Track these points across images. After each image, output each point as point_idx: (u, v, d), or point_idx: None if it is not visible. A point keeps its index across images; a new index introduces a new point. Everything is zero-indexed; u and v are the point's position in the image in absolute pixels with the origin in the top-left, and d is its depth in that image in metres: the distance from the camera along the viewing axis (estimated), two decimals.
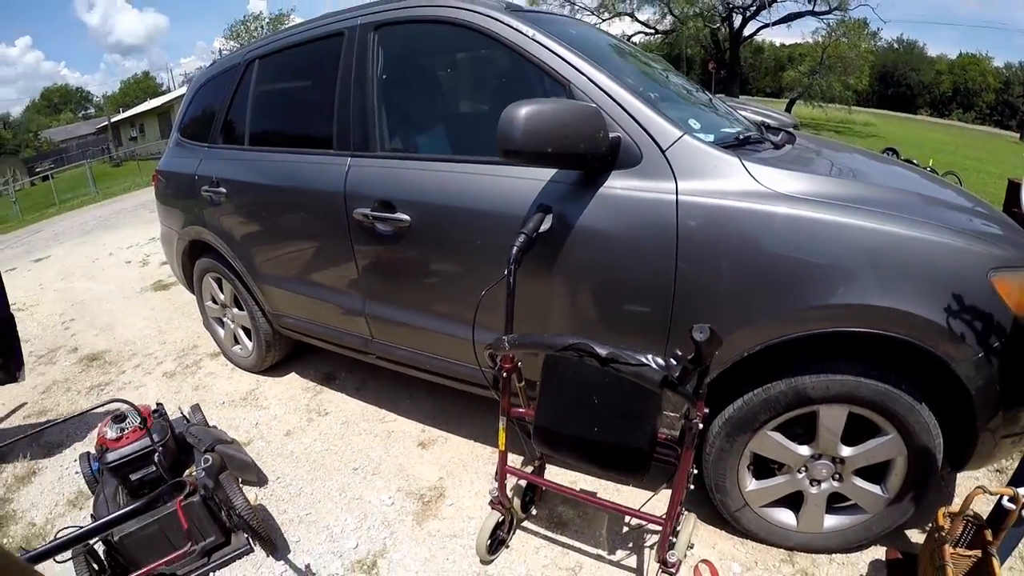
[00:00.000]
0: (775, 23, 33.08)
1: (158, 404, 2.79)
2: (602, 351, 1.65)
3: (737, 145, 2.33)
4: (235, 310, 3.88)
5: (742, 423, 2.17)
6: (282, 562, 2.39)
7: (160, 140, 35.97)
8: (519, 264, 1.98)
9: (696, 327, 1.51)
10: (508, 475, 2.19)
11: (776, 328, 1.98)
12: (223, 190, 3.40)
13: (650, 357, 1.64)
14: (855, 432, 2.17)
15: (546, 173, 2.23)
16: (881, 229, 1.90)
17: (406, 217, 2.48)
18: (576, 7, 32.41)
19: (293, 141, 3.22)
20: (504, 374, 2.01)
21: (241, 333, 3.96)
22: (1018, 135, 44.68)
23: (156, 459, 2.46)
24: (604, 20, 32.54)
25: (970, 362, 1.94)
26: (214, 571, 2.37)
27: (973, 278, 1.92)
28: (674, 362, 1.60)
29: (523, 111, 1.88)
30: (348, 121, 2.77)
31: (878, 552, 2.53)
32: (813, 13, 31.40)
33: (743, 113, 3.24)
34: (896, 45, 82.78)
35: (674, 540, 2.09)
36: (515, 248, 1.98)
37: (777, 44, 78.78)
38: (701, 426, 1.78)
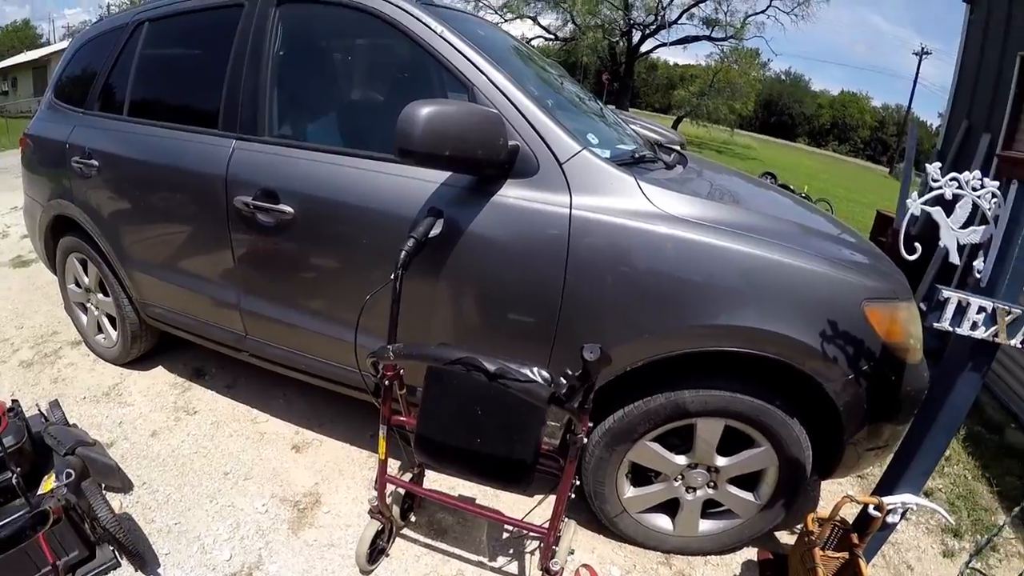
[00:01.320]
0: (672, 43, 35.09)
1: (14, 401, 2.57)
2: (491, 366, 1.66)
3: (632, 163, 2.38)
4: (100, 296, 3.59)
5: (622, 434, 2.24)
6: None
7: (33, 97, 33.20)
8: (407, 269, 1.97)
9: (587, 347, 1.55)
10: (388, 483, 2.19)
11: (659, 345, 2.07)
12: (95, 163, 3.12)
13: (536, 371, 1.66)
14: (730, 443, 2.29)
15: (440, 176, 2.20)
16: (764, 256, 2.02)
17: (290, 209, 2.38)
18: (480, 4, 32.55)
19: (176, 116, 2.98)
20: (386, 382, 2.00)
21: (105, 321, 3.67)
22: (888, 170, 48.46)
23: (12, 472, 2.18)
24: (507, 21, 32.85)
25: (841, 382, 2.10)
26: None
27: (847, 306, 2.08)
28: (562, 380, 1.65)
29: (424, 111, 1.85)
30: (237, 100, 2.62)
31: (750, 553, 2.69)
32: (710, 38, 33.56)
33: (635, 128, 3.33)
34: (784, 77, 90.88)
35: (556, 548, 2.15)
36: (403, 253, 1.96)
37: (671, 63, 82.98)
38: (585, 440, 1.84)
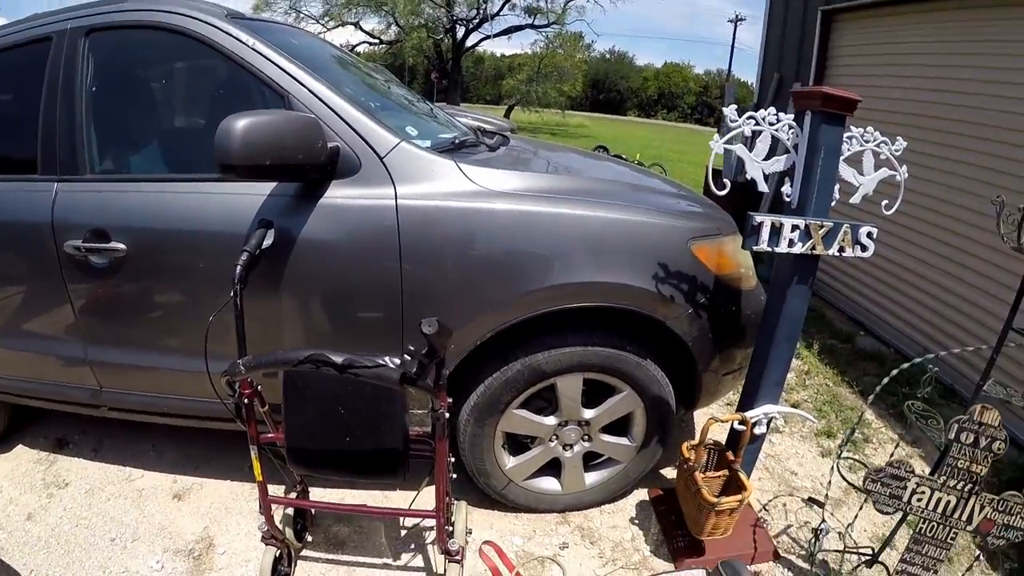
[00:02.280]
0: (496, 35, 35.51)
1: None
2: (338, 359, 1.65)
3: (453, 149, 2.45)
4: None
5: (488, 407, 2.31)
6: None
7: None
8: (244, 284, 1.92)
9: (424, 321, 1.56)
10: (273, 505, 2.14)
11: (503, 314, 2.14)
12: None
13: (386, 359, 1.70)
14: (595, 395, 2.41)
15: (267, 187, 2.18)
16: (592, 215, 2.14)
17: (122, 246, 2.24)
18: (301, 15, 31.88)
19: None
20: (245, 400, 1.98)
21: None
22: (716, 130, 51.57)
23: None
24: (329, 29, 32.34)
25: (683, 318, 2.24)
26: None
27: (676, 248, 2.23)
28: (408, 358, 1.68)
29: (240, 123, 1.82)
30: (54, 140, 2.43)
31: (641, 494, 2.84)
32: (532, 26, 34.25)
33: (462, 120, 3.39)
34: (608, 55, 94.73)
35: (451, 529, 2.18)
36: (238, 267, 1.91)
37: (498, 55, 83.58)
38: (447, 415, 1.87)
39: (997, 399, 2.04)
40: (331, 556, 2.48)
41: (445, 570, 2.12)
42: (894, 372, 2.17)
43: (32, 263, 2.52)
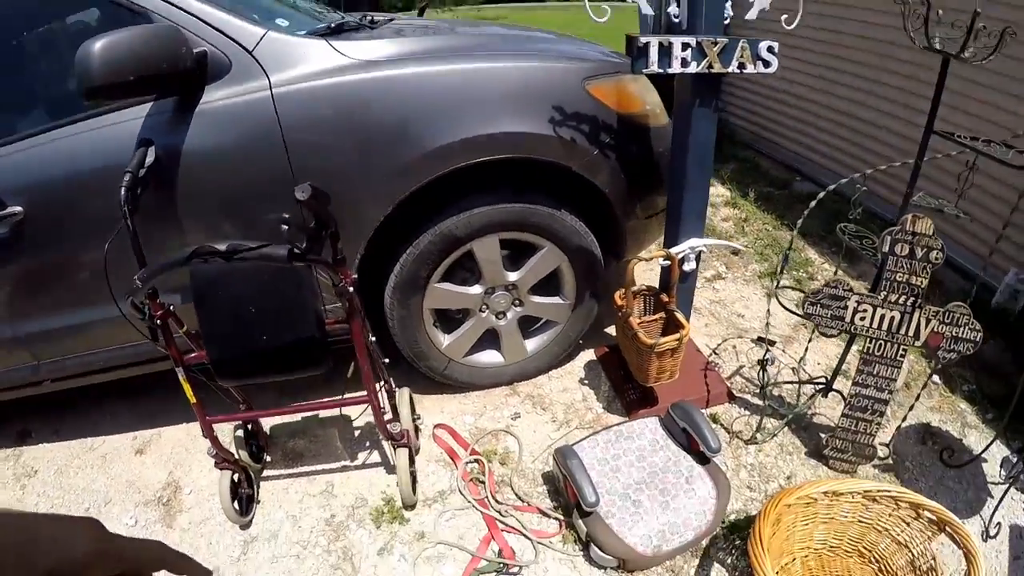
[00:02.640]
0: None
1: None
2: (222, 247, 1.62)
3: (330, 33, 2.33)
4: None
5: (408, 285, 2.28)
6: None
7: None
8: (132, 205, 1.87)
9: (296, 189, 1.49)
10: (215, 426, 2.09)
11: (401, 183, 2.08)
12: None
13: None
14: (520, 258, 2.39)
15: (144, 109, 2.07)
16: (474, 67, 2.08)
17: (18, 208, 2.13)
18: None
19: None
20: (158, 322, 1.94)
21: None
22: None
23: None
24: None
25: (589, 162, 2.20)
26: None
27: (571, 90, 2.17)
28: (285, 227, 1.62)
29: (96, 45, 1.74)
30: None
31: (588, 355, 2.87)
32: None
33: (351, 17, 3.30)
34: None
35: (388, 414, 2.20)
36: (122, 189, 1.86)
37: None
38: (352, 290, 1.83)
39: (929, 208, 2.04)
40: (291, 470, 2.50)
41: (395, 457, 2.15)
42: (821, 194, 2.16)
43: None
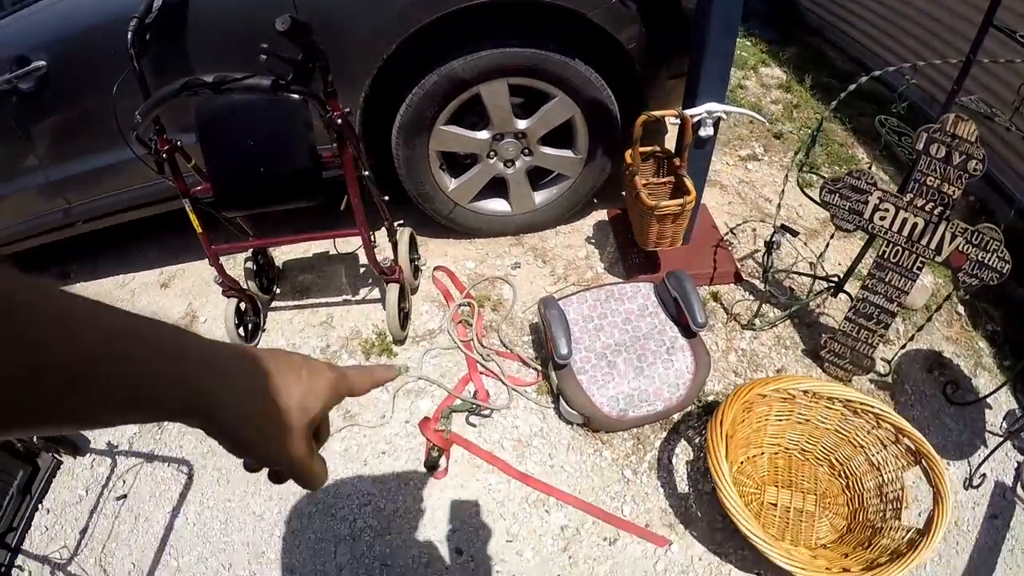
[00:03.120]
0: None
1: None
2: (209, 78, 1.47)
3: None
4: None
5: (414, 125, 2.05)
6: (89, 456, 2.10)
7: None
8: (139, 47, 1.69)
9: (277, 20, 1.31)
10: (219, 255, 2.01)
11: (403, 22, 1.84)
12: None
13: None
14: (535, 108, 2.11)
15: None
16: None
17: (42, 63, 2.02)
18: None
19: None
20: (164, 155, 1.77)
21: None
22: None
23: None
24: None
25: (607, 10, 1.87)
26: (40, 500, 2.02)
27: None
28: (264, 57, 1.43)
29: None
30: None
31: (601, 215, 2.61)
32: None
33: None
34: None
35: (385, 251, 2.06)
36: (129, 33, 1.67)
37: None
38: (341, 123, 1.63)
39: (977, 112, 1.65)
40: (296, 302, 2.42)
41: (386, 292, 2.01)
42: (863, 78, 1.78)
43: None
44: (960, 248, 1.64)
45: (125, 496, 1.93)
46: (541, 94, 2.07)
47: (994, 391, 1.92)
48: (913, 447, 1.55)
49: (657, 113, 1.93)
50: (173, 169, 1.79)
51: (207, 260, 2.01)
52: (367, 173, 1.83)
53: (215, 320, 2.42)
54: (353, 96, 1.95)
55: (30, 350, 0.32)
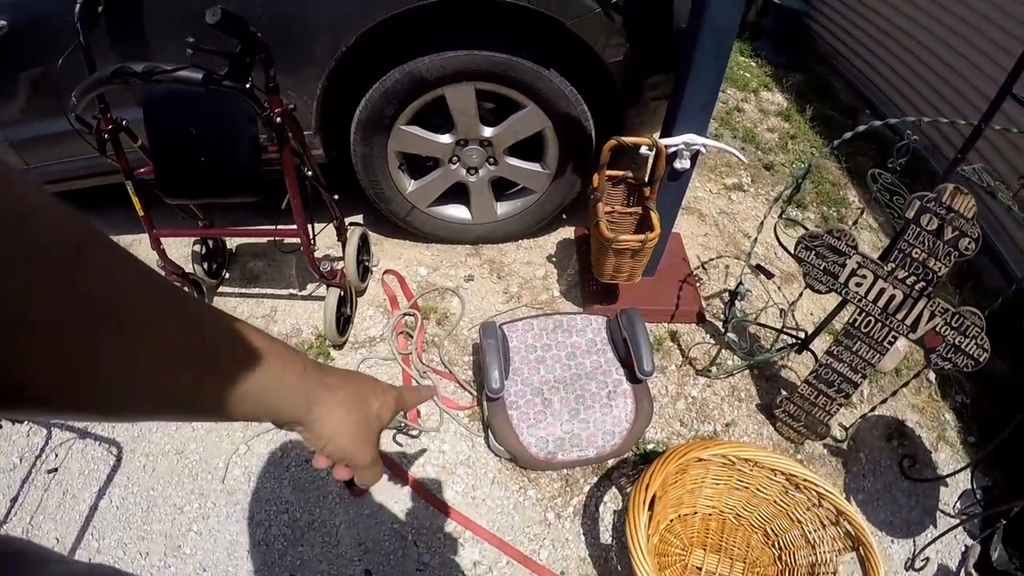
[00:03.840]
0: None
1: None
2: (138, 68, 1.38)
3: None
4: None
5: (372, 122, 1.92)
6: (26, 424, 2.02)
7: None
8: (87, 21, 1.59)
9: (208, 11, 1.21)
10: (161, 239, 1.92)
11: (364, 13, 1.70)
12: None
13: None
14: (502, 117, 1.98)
15: None
16: None
17: (3, 23, 1.90)
18: None
19: None
20: (107, 135, 1.67)
21: None
22: None
23: None
24: None
25: (588, 20, 1.73)
26: None
27: None
28: (190, 52, 1.32)
29: None
30: None
31: (567, 233, 2.48)
32: None
33: None
34: None
35: (329, 251, 1.92)
36: (77, 5, 1.56)
37: None
38: (279, 121, 1.51)
39: (979, 185, 1.51)
40: (243, 290, 2.29)
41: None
42: (860, 128, 1.61)
43: None
44: (937, 328, 1.50)
45: (56, 470, 1.86)
46: (514, 102, 1.94)
47: (954, 472, 1.81)
48: (852, 532, 1.43)
49: (628, 140, 1.78)
50: (116, 148, 1.70)
51: (169, 239, 1.93)
52: (310, 173, 1.72)
53: None
54: (309, 88, 1.83)
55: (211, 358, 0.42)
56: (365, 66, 1.83)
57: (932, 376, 2.17)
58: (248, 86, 1.39)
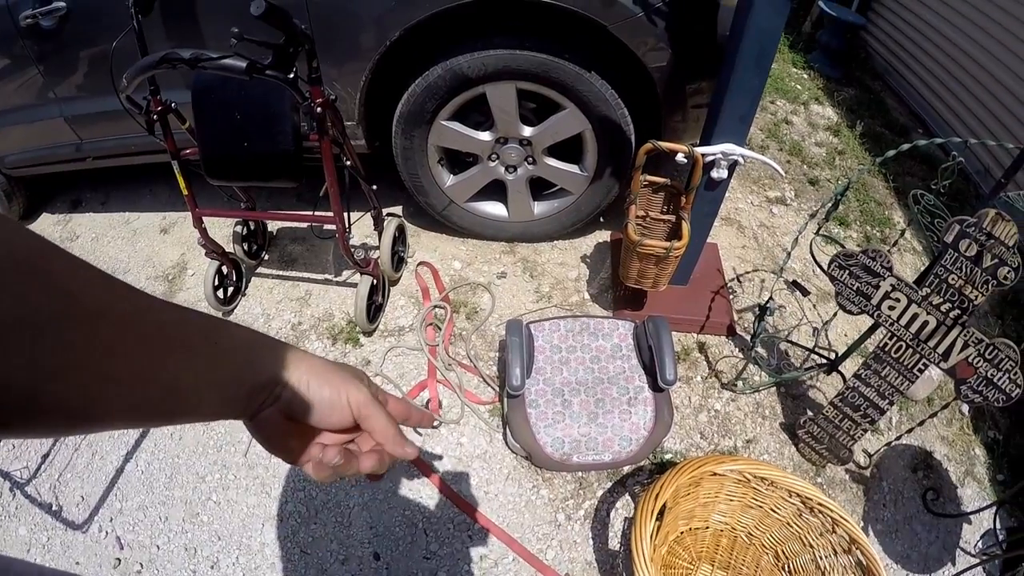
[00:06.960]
0: None
1: None
2: (186, 54, 1.38)
3: None
4: None
5: (414, 116, 1.89)
6: None
7: None
8: (142, 5, 1.58)
9: (253, 4, 1.21)
10: (203, 218, 1.93)
11: (409, 10, 1.68)
12: None
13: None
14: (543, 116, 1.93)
15: None
16: None
17: (62, 4, 1.97)
18: None
19: None
20: (155, 117, 1.69)
21: None
22: None
23: None
24: None
25: (630, 25, 1.67)
26: None
27: None
28: (234, 41, 1.31)
29: None
30: None
31: (603, 236, 2.41)
32: None
33: None
34: None
35: (367, 240, 1.90)
36: None
37: None
38: (320, 111, 1.51)
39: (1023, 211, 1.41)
40: (280, 272, 2.31)
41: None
42: (905, 146, 1.52)
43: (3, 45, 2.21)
44: (970, 359, 1.39)
45: None
46: (554, 103, 1.88)
47: (979, 510, 1.69)
48: (864, 562, 1.35)
49: (665, 145, 1.70)
50: (164, 129, 1.72)
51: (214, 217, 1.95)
52: (348, 163, 1.71)
53: (202, 273, 2.32)
54: (354, 80, 1.82)
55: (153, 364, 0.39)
56: (409, 61, 1.81)
57: (965, 408, 2.04)
58: (292, 76, 1.38)
